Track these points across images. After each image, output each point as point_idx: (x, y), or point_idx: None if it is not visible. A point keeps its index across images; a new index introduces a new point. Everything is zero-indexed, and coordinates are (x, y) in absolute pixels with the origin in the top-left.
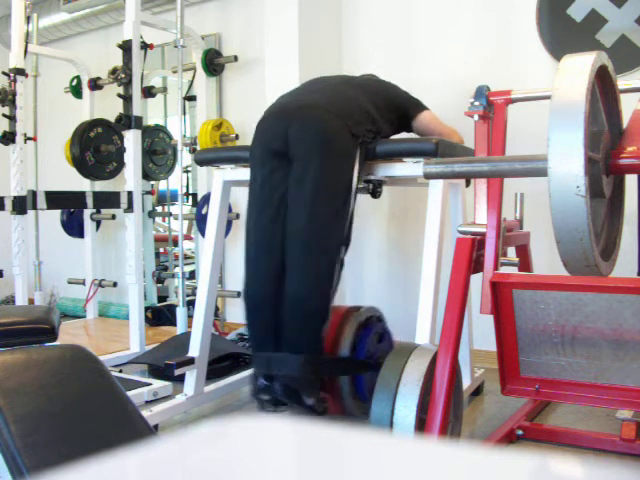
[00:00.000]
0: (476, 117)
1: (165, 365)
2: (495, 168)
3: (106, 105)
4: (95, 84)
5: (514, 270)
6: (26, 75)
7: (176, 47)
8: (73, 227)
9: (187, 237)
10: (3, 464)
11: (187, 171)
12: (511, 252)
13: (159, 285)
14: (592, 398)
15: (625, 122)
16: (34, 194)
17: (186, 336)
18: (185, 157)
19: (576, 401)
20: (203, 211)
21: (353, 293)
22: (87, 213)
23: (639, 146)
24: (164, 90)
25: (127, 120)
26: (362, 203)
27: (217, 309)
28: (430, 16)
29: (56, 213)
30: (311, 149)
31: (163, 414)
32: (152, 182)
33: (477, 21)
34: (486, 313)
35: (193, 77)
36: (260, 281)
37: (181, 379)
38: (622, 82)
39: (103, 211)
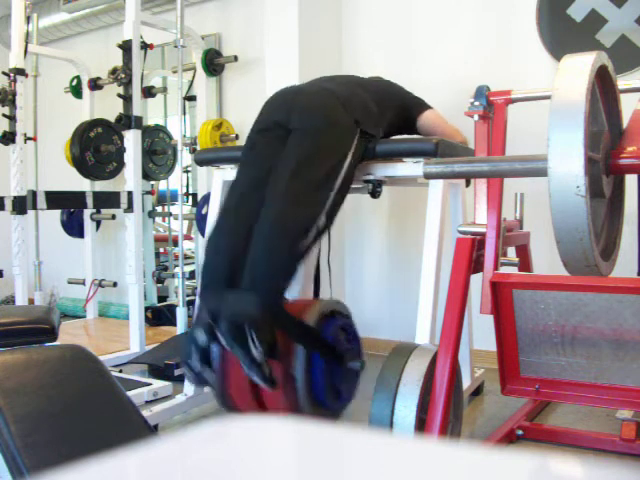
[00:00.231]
0: (476, 117)
1: (165, 365)
2: (495, 168)
3: (106, 105)
4: (95, 84)
5: (514, 270)
6: (26, 75)
7: (176, 47)
8: (73, 227)
9: (187, 237)
10: (3, 464)
11: (187, 171)
12: (511, 252)
13: (159, 285)
14: (592, 398)
15: (625, 122)
16: (34, 194)
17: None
18: (185, 157)
19: (576, 401)
20: (203, 211)
21: (353, 293)
22: (87, 213)
23: (639, 146)
24: (164, 90)
25: (127, 120)
26: (362, 203)
27: None
28: (430, 16)
29: (56, 213)
30: (309, 125)
31: (163, 414)
32: (152, 182)
33: (477, 21)
34: (486, 313)
35: (193, 77)
36: (228, 231)
37: (181, 379)
38: (622, 82)
39: (103, 211)
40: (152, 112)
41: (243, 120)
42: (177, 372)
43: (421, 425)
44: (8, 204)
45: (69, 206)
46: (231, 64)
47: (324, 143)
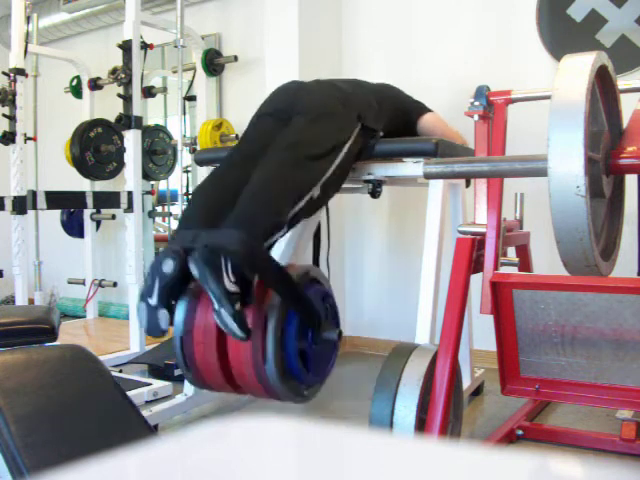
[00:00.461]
0: (476, 117)
1: (165, 365)
2: (495, 168)
3: (106, 105)
4: (95, 84)
5: (514, 270)
6: (26, 75)
7: (176, 47)
8: (73, 227)
9: None
10: (3, 464)
11: (187, 171)
12: (511, 252)
13: None
14: (592, 398)
15: (625, 122)
16: (34, 194)
17: None
18: (185, 157)
19: (576, 401)
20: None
21: (353, 293)
22: (87, 213)
23: (639, 146)
24: (164, 90)
25: (127, 120)
26: (362, 203)
27: None
28: (430, 16)
29: (56, 213)
30: (314, 108)
31: (163, 414)
32: (152, 182)
33: (477, 21)
34: (486, 313)
35: (193, 77)
36: (216, 182)
37: (181, 379)
38: (622, 82)
39: (103, 211)
40: (152, 112)
41: (243, 120)
42: (177, 372)
43: (421, 425)
44: (8, 204)
45: (69, 206)
46: (231, 64)
47: (324, 126)
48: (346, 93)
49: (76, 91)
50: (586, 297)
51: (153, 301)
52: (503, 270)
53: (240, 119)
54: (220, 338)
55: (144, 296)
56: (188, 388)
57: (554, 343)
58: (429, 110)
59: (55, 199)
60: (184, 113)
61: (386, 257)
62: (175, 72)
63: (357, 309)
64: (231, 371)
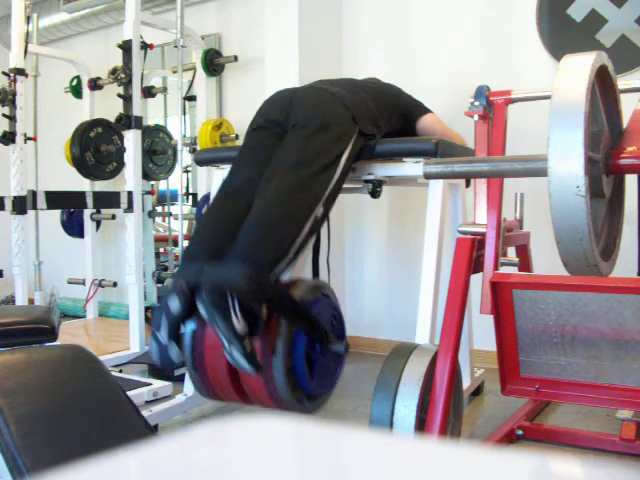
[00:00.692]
0: (476, 117)
1: None
2: (495, 168)
3: (106, 105)
4: (95, 84)
5: (514, 270)
6: (26, 75)
7: (176, 47)
8: (73, 227)
9: (187, 237)
10: (3, 464)
11: (187, 171)
12: (511, 252)
13: (159, 285)
14: (592, 398)
15: (625, 122)
16: (34, 194)
17: None
18: (185, 157)
19: (576, 401)
20: (203, 211)
21: (353, 293)
22: (87, 213)
23: (639, 146)
24: (164, 90)
25: (127, 120)
26: (362, 203)
27: None
28: (430, 16)
29: (56, 213)
30: (310, 118)
31: (163, 414)
32: (152, 182)
33: (477, 21)
34: (486, 313)
35: (193, 77)
36: (221, 207)
37: (181, 379)
38: (622, 82)
39: (103, 211)
40: (152, 112)
41: (243, 120)
42: (177, 372)
43: (421, 425)
44: (8, 204)
45: (69, 206)
46: (231, 64)
47: (322, 139)
48: (341, 98)
49: (76, 91)
50: (586, 297)
51: (163, 337)
52: (503, 270)
53: (240, 119)
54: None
55: (154, 331)
56: (188, 388)
57: (554, 343)
58: (429, 111)
59: (55, 199)
60: (184, 113)
61: (386, 257)
62: (175, 72)
63: (357, 309)
64: (242, 387)
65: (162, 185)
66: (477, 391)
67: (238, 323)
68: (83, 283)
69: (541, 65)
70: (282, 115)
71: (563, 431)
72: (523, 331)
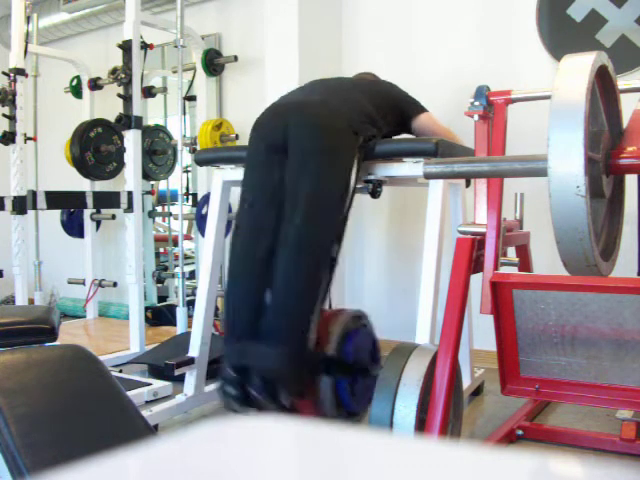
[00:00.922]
0: (476, 117)
1: (165, 365)
2: (495, 168)
3: (106, 105)
4: (95, 84)
5: (514, 270)
6: (26, 75)
7: (176, 47)
8: (73, 227)
9: (187, 237)
10: (3, 464)
11: (187, 171)
12: (511, 252)
13: (159, 285)
14: (592, 398)
15: (625, 122)
16: (34, 194)
17: (186, 336)
18: (185, 157)
19: (576, 401)
20: (203, 211)
21: (353, 293)
22: (87, 213)
23: (639, 146)
24: (164, 90)
25: (127, 120)
26: (362, 203)
27: (217, 309)
28: (430, 16)
29: (56, 213)
30: (310, 145)
31: (163, 414)
32: (152, 182)
33: (477, 21)
34: (486, 313)
35: (193, 77)
36: (245, 273)
37: (181, 379)
38: (622, 82)
39: (103, 211)
40: (152, 112)
41: (243, 120)
42: (177, 372)
43: (421, 425)
44: (8, 204)
45: (69, 206)
46: (231, 64)
47: (327, 170)
48: (338, 112)
49: (76, 91)
50: (586, 297)
51: (238, 409)
52: (503, 270)
53: (240, 119)
54: None
55: (228, 408)
56: (188, 388)
57: (554, 343)
58: (424, 110)
59: (55, 199)
60: (184, 113)
61: (386, 257)
62: (175, 72)
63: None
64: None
65: (162, 185)
66: (477, 391)
67: (286, 399)
68: (83, 283)
69: (541, 65)
70: (280, 138)
71: (563, 431)
72: (523, 331)
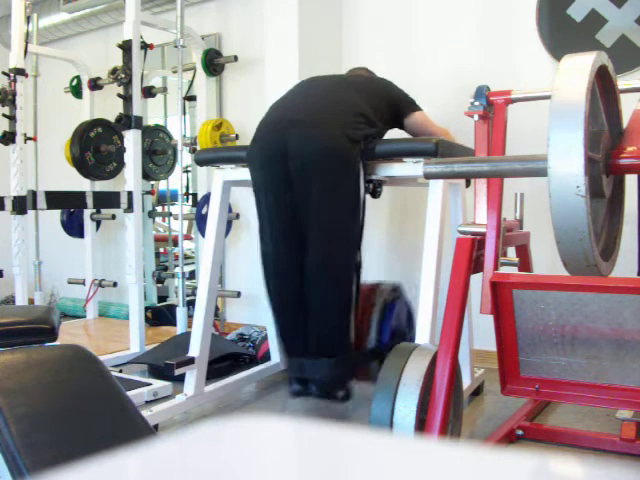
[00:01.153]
0: (476, 117)
1: (165, 365)
2: (495, 168)
3: (106, 105)
4: (95, 84)
5: (514, 270)
6: (26, 75)
7: (176, 47)
8: (73, 227)
9: (187, 237)
10: (3, 464)
11: (187, 171)
12: (511, 252)
13: (159, 285)
14: (592, 398)
15: (625, 122)
16: (34, 194)
17: (186, 336)
18: (185, 157)
19: (576, 401)
20: (203, 211)
21: None
22: (87, 213)
23: (639, 146)
24: (164, 90)
25: (127, 120)
26: None
27: (217, 309)
28: (430, 16)
29: (56, 213)
30: (313, 167)
31: (163, 414)
32: (152, 182)
33: (477, 21)
34: (486, 313)
35: (193, 77)
36: (287, 308)
37: (181, 379)
38: (622, 82)
39: (103, 211)
40: (152, 112)
41: (243, 120)
42: (177, 372)
43: (421, 425)
44: (8, 204)
45: (69, 206)
46: (231, 64)
47: (335, 190)
48: (336, 118)
49: (76, 91)
50: (586, 297)
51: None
52: (503, 270)
53: (240, 119)
54: None
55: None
56: (188, 388)
57: (554, 343)
58: (418, 108)
59: (55, 199)
60: (184, 113)
61: (386, 257)
62: (175, 72)
63: None
64: None
65: (162, 185)
66: (477, 391)
67: (343, 393)
68: (83, 283)
69: (541, 65)
70: (281, 149)
71: (563, 431)
72: (523, 331)
